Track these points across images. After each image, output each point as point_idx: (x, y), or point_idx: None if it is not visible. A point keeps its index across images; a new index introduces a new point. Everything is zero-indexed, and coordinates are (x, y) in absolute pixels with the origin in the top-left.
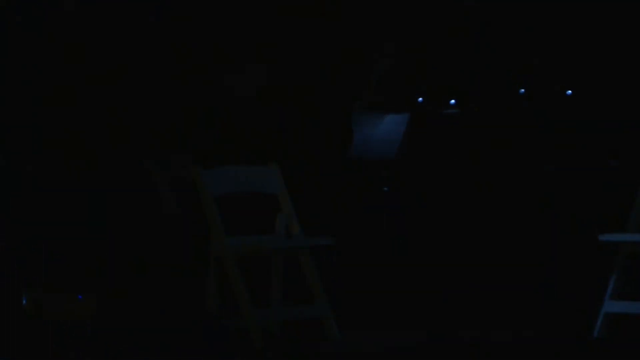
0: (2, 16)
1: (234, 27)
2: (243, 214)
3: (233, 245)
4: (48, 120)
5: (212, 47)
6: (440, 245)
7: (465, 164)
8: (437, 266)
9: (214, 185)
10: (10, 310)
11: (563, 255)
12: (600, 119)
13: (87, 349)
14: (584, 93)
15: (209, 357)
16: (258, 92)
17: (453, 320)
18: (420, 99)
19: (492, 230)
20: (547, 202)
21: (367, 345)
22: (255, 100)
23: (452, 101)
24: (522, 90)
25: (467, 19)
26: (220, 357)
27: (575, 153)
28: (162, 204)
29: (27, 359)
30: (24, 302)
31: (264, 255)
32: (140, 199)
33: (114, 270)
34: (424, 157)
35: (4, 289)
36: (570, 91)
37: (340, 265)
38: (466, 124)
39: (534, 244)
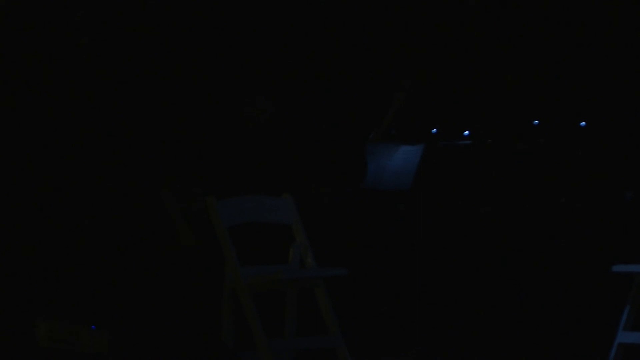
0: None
1: (250, 58)
2: (257, 244)
3: (247, 276)
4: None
5: (231, 79)
6: (451, 275)
7: (478, 194)
8: (450, 295)
9: (228, 215)
10: (24, 340)
11: (577, 286)
12: (615, 150)
13: None
14: (598, 125)
15: None
16: (268, 123)
17: (465, 351)
18: (434, 130)
19: (507, 261)
20: (562, 232)
21: None
22: (269, 132)
23: (466, 132)
24: (537, 121)
25: (479, 51)
26: None
27: (589, 184)
28: (180, 236)
29: None
30: (38, 331)
31: (279, 286)
32: (158, 231)
33: (129, 301)
34: (438, 187)
35: (18, 318)
36: (584, 122)
37: (353, 295)
38: (479, 155)
39: (549, 275)
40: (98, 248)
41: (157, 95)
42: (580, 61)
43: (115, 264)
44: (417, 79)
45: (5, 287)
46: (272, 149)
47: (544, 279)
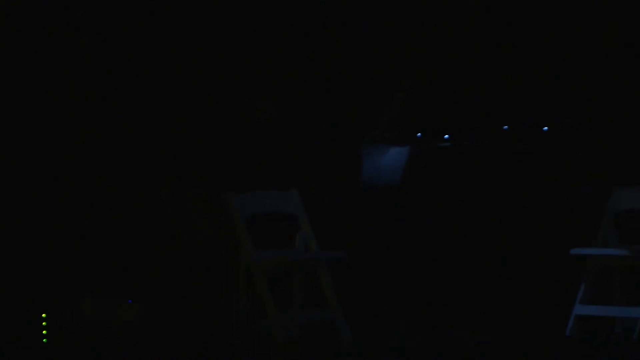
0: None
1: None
2: (268, 232)
3: (260, 258)
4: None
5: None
6: (435, 259)
7: (458, 189)
8: (432, 276)
9: (243, 207)
10: (73, 314)
11: (542, 266)
12: (574, 153)
13: (136, 347)
14: (560, 130)
15: (239, 356)
16: (269, 124)
17: (445, 323)
18: (419, 134)
19: (481, 247)
20: (527, 221)
21: (375, 346)
22: (277, 133)
23: (446, 136)
24: (506, 127)
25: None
26: (249, 356)
27: (553, 180)
28: (198, 227)
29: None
30: (83, 306)
31: (287, 267)
32: (184, 223)
33: (160, 281)
34: (424, 183)
35: (65, 295)
36: (546, 127)
37: (351, 276)
38: (458, 155)
39: (518, 257)
40: (135, 238)
41: (167, 98)
42: (562, 65)
43: (148, 251)
44: (417, 79)
45: (55, 270)
46: (279, 149)
47: (514, 261)
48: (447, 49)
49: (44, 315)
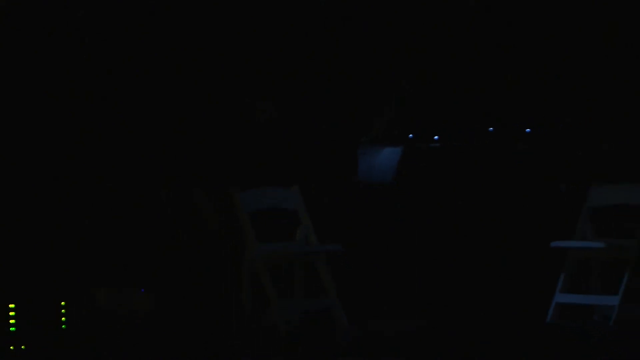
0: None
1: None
2: (270, 226)
3: (263, 251)
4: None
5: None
6: (424, 251)
7: (446, 187)
8: (422, 267)
9: (247, 203)
10: (87, 302)
11: (525, 258)
12: (553, 155)
13: (147, 333)
14: (542, 131)
15: (244, 344)
16: (269, 123)
17: (435, 310)
18: (411, 135)
19: (468, 241)
20: (511, 217)
21: (371, 332)
22: (279, 133)
23: (436, 137)
24: (491, 128)
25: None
26: (252, 344)
27: (535, 179)
28: (207, 222)
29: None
30: (98, 295)
31: (288, 259)
32: (189, 218)
33: (170, 271)
34: (415, 180)
35: (80, 285)
36: (529, 129)
37: (349, 267)
38: (447, 155)
39: (504, 249)
40: (147, 233)
41: (175, 100)
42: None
43: (160, 244)
44: (411, 84)
45: (74, 262)
46: (281, 149)
47: (500, 253)
48: (440, 53)
49: (63, 303)
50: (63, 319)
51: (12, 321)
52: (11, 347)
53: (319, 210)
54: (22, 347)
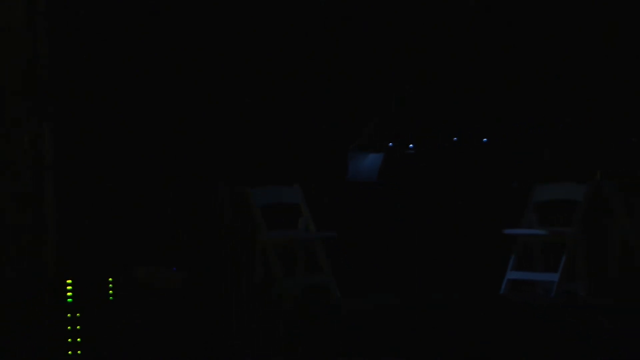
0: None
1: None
2: (277, 217)
3: (271, 237)
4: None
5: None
6: (402, 236)
7: (420, 184)
8: (400, 249)
9: (258, 199)
10: (128, 279)
11: (482, 243)
12: (509, 159)
13: (177, 304)
14: (496, 142)
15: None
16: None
17: (410, 286)
18: (391, 144)
19: (438, 228)
20: (473, 209)
21: (361, 304)
22: (287, 143)
23: (411, 146)
24: (455, 138)
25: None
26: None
27: (494, 178)
28: (224, 215)
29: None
30: (138, 273)
31: (291, 244)
32: (211, 211)
33: (197, 253)
34: (394, 179)
35: (124, 264)
36: (486, 139)
37: (342, 251)
38: (420, 160)
39: (465, 236)
40: (179, 221)
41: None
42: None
43: (190, 231)
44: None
45: (118, 245)
46: (286, 154)
47: (463, 238)
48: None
49: (110, 279)
50: (110, 291)
51: (69, 294)
52: (68, 315)
53: (316, 204)
54: (77, 314)
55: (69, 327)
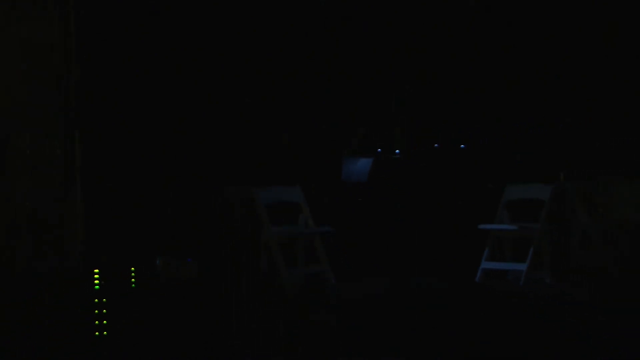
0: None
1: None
2: (280, 214)
3: (275, 232)
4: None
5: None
6: (390, 231)
7: (406, 186)
8: (389, 241)
9: (263, 198)
10: (149, 270)
11: (455, 237)
12: (485, 165)
13: (194, 291)
14: (477, 147)
15: (262, 300)
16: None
17: (398, 274)
18: (379, 149)
19: (421, 224)
20: (452, 207)
21: (354, 291)
22: (290, 150)
23: (397, 151)
24: (437, 145)
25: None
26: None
27: (471, 180)
28: (234, 212)
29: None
30: (158, 264)
31: (293, 238)
32: (222, 210)
33: (210, 247)
34: (383, 181)
35: (145, 255)
36: (463, 145)
37: (338, 244)
38: (405, 163)
39: (445, 231)
40: (193, 218)
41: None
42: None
43: (203, 226)
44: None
45: (139, 239)
46: (289, 159)
47: (442, 232)
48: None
49: (132, 269)
50: (133, 280)
51: (96, 282)
52: (95, 300)
53: (315, 202)
54: (104, 300)
55: (96, 312)
